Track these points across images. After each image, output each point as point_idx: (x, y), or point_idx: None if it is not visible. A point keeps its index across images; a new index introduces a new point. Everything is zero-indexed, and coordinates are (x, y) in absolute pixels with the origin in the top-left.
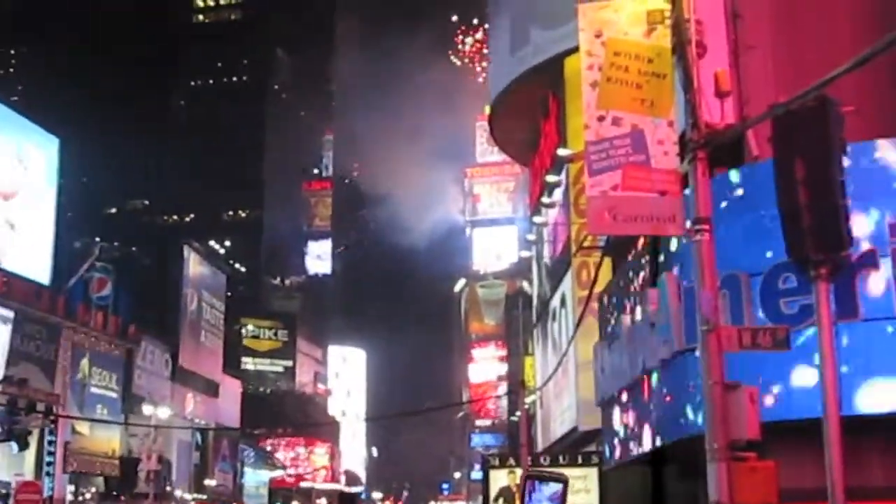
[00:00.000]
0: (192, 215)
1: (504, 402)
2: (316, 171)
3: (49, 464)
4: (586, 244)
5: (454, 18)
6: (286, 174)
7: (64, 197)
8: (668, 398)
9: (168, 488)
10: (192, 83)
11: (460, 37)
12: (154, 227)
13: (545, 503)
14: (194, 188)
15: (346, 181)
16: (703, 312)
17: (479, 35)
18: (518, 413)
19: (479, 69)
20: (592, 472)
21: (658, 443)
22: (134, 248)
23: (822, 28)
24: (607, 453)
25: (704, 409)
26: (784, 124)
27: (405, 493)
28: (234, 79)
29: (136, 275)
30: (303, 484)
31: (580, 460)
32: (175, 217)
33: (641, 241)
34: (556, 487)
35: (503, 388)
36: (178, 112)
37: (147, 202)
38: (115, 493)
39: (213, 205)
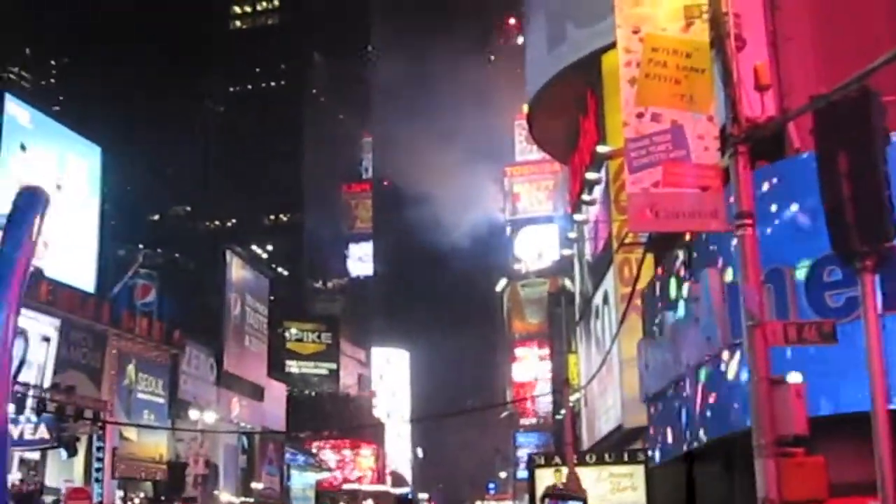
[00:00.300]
0: (233, 220)
1: (548, 401)
2: (355, 173)
3: (98, 470)
4: (628, 241)
5: (491, 18)
6: (326, 177)
7: (107, 205)
8: (712, 395)
9: (215, 492)
10: (231, 89)
11: (497, 36)
12: (196, 232)
13: None
14: (235, 193)
15: (386, 183)
16: (748, 307)
17: (516, 34)
18: (563, 411)
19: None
20: (639, 470)
21: (704, 439)
22: (177, 255)
23: (862, 17)
24: (653, 451)
25: (751, 405)
26: (825, 116)
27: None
28: (272, 83)
29: (179, 280)
30: (349, 486)
31: (626, 458)
32: (217, 222)
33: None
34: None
35: (547, 386)
36: (218, 118)
37: (189, 208)
38: (162, 497)
39: (254, 209)
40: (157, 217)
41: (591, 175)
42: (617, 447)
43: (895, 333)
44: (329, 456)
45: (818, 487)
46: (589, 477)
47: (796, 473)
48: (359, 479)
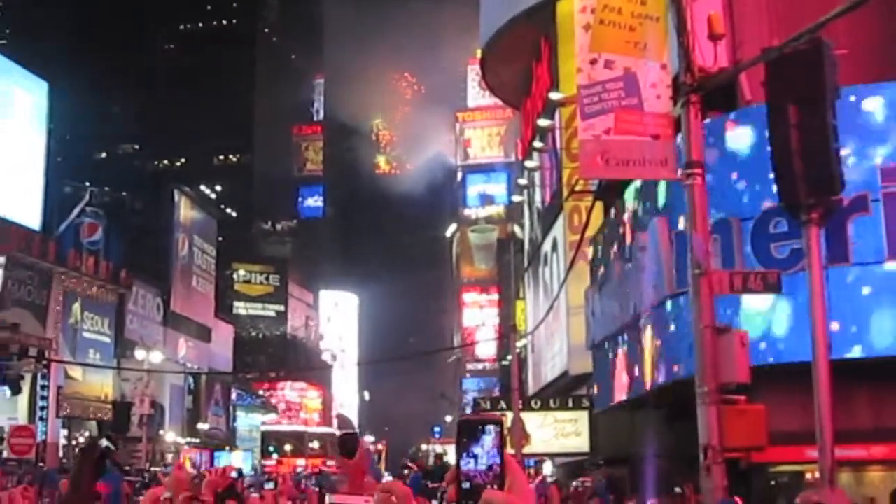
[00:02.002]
0: (182, 160)
1: (495, 347)
2: (307, 115)
3: (42, 408)
4: (578, 188)
5: None
6: (277, 118)
7: (54, 142)
8: (658, 342)
9: (161, 432)
10: (181, 27)
11: None
12: (145, 171)
13: (487, 455)
14: (185, 133)
15: (338, 124)
16: (695, 256)
17: None
18: (509, 357)
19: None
20: (583, 416)
21: (648, 387)
22: (124, 193)
23: None
24: (597, 396)
25: (695, 353)
26: (777, 68)
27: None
28: (224, 22)
29: (127, 220)
30: (295, 427)
31: (571, 404)
32: (166, 162)
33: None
34: (495, 432)
35: (494, 332)
36: (167, 56)
37: (137, 147)
38: (107, 436)
39: (204, 149)
40: (104, 155)
41: (542, 122)
42: (562, 393)
43: (838, 286)
44: (275, 398)
45: (758, 435)
46: (534, 422)
47: (738, 421)
48: (305, 422)
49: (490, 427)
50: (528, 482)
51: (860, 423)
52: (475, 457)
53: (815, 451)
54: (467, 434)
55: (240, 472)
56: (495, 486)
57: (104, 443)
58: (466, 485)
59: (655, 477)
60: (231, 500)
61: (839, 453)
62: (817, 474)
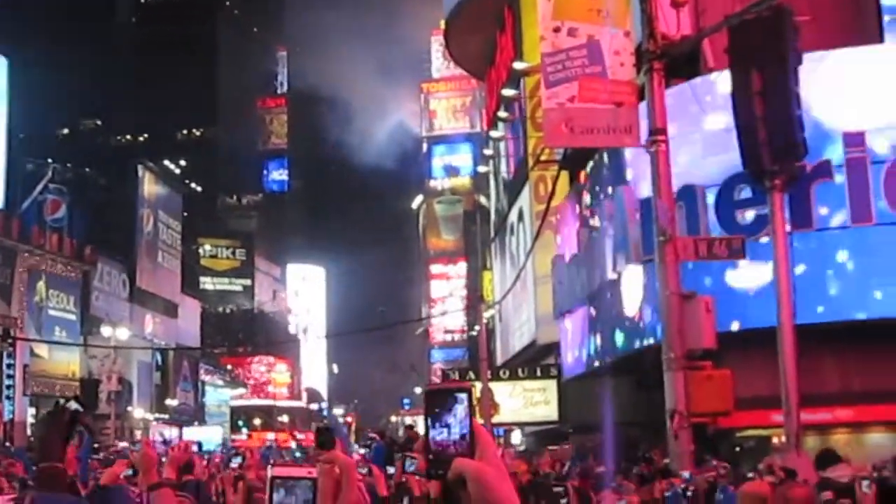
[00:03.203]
0: (145, 135)
1: (463, 318)
2: (270, 88)
3: (8, 387)
4: (544, 158)
5: None
6: (241, 92)
7: (15, 118)
8: (625, 310)
9: (129, 409)
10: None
11: None
12: (108, 147)
13: (460, 425)
14: (147, 108)
15: (302, 97)
16: (660, 223)
17: None
18: (477, 328)
19: None
20: (551, 384)
21: (615, 354)
22: (88, 170)
23: None
24: (565, 366)
25: (661, 320)
26: (739, 35)
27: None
28: None
29: (90, 196)
30: (264, 402)
31: (539, 373)
32: (129, 137)
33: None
34: (466, 400)
35: (462, 303)
36: (129, 30)
37: (100, 122)
38: (76, 398)
39: (167, 124)
40: (66, 131)
41: (507, 92)
42: (530, 362)
43: (802, 251)
44: (244, 372)
45: (725, 400)
46: (502, 391)
47: (704, 386)
48: (274, 396)
49: (461, 395)
50: (498, 451)
51: (826, 387)
52: (448, 426)
53: (781, 416)
54: (436, 403)
55: (199, 444)
56: (465, 455)
57: (73, 405)
58: (434, 454)
59: (624, 444)
60: (187, 475)
61: (805, 417)
62: (784, 438)
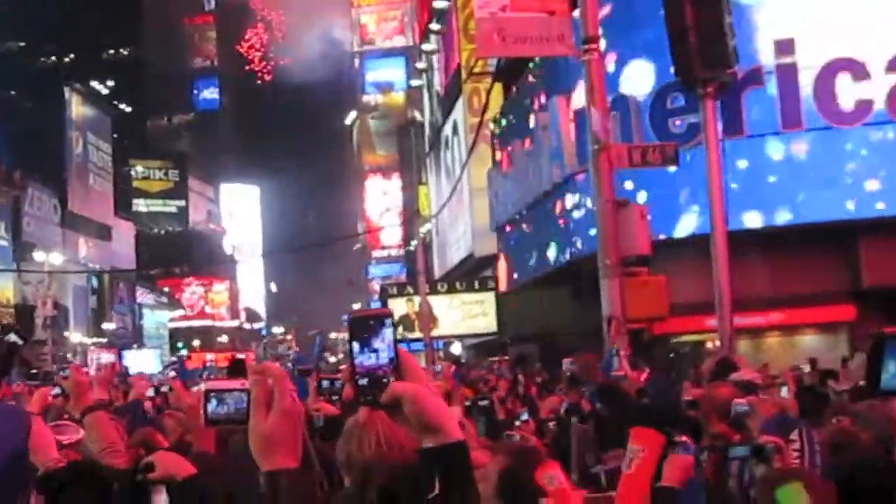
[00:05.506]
0: (71, 56)
1: (400, 232)
2: (198, 5)
3: None
4: (477, 70)
5: None
6: (166, 8)
7: None
8: (560, 221)
9: (66, 333)
10: None
11: None
12: (32, 69)
13: (388, 349)
14: (72, 28)
15: (231, 13)
16: (594, 131)
17: None
18: (414, 242)
19: None
20: (489, 297)
21: (551, 264)
22: (13, 93)
23: None
24: (502, 277)
25: (597, 227)
26: None
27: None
28: None
29: (16, 120)
30: (203, 322)
31: (477, 286)
32: (53, 58)
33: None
34: (391, 325)
35: (399, 217)
36: None
37: (23, 44)
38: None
39: (93, 44)
40: None
41: (439, 4)
42: (468, 275)
43: (734, 158)
44: (181, 294)
45: (660, 305)
46: (441, 305)
47: (640, 292)
48: (213, 316)
49: (388, 320)
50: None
51: (757, 291)
52: (376, 351)
53: (715, 321)
54: (363, 329)
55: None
56: (393, 378)
57: (12, 337)
58: (365, 381)
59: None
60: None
61: (738, 321)
62: (717, 343)
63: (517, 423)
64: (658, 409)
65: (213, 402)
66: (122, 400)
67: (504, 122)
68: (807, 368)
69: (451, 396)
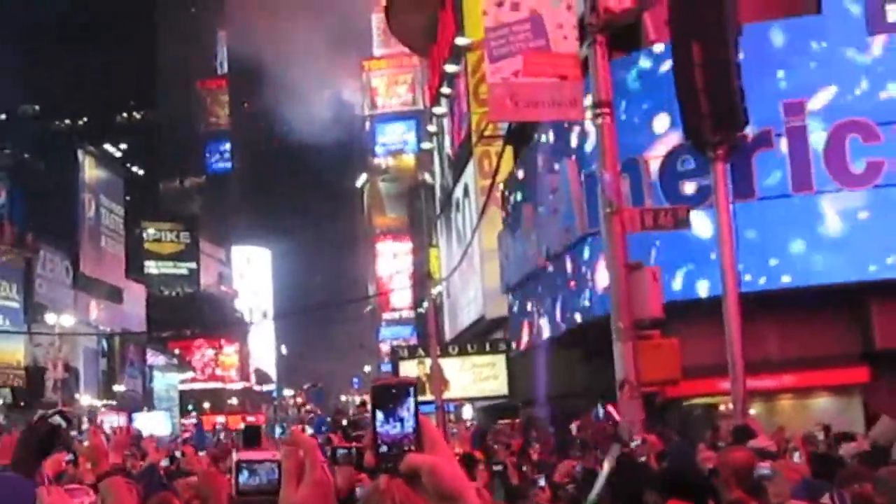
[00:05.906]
0: (85, 119)
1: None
2: (210, 69)
3: None
4: (487, 133)
5: None
6: (180, 73)
7: None
8: (572, 283)
9: (76, 396)
10: None
11: None
12: (47, 132)
13: (412, 419)
14: (86, 91)
15: (243, 78)
16: (606, 195)
17: None
18: (425, 304)
19: None
20: (500, 359)
21: (563, 327)
22: (27, 155)
23: None
24: (514, 340)
25: (611, 291)
26: (679, 7)
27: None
28: None
29: (30, 182)
30: (213, 385)
31: (488, 348)
32: (67, 121)
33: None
34: (413, 394)
35: (409, 280)
36: (65, 12)
37: (38, 107)
38: (22, 403)
39: (107, 108)
40: (4, 116)
41: (449, 68)
42: (479, 338)
43: (744, 221)
44: (192, 356)
45: (673, 368)
46: (452, 367)
47: (653, 355)
48: (223, 378)
49: (411, 389)
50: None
51: (769, 353)
52: (402, 420)
53: (728, 383)
54: (387, 398)
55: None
56: (416, 449)
57: (56, 419)
58: (385, 448)
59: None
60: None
61: (750, 384)
62: (730, 405)
63: (533, 489)
64: (685, 478)
65: (245, 473)
66: (138, 465)
67: (514, 185)
68: (820, 436)
69: (473, 461)
